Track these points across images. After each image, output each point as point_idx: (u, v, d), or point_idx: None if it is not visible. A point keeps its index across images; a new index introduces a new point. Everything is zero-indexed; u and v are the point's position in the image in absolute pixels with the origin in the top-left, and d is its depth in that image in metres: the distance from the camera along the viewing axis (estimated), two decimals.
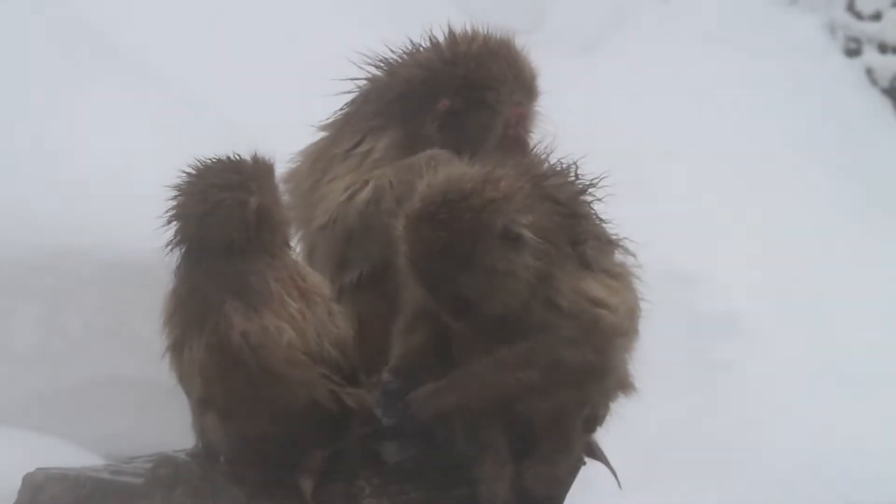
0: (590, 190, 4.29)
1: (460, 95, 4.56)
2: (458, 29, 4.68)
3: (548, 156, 4.35)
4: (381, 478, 4.32)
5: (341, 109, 4.75)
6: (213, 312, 4.12)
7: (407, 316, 4.26)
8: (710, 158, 13.81)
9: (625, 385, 4.43)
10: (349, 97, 4.76)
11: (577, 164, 4.33)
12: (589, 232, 4.19)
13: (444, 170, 4.12)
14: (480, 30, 4.69)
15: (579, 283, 4.10)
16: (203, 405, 4.21)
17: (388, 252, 4.21)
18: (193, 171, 4.28)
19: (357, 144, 4.60)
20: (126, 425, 10.77)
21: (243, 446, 4.20)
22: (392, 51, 4.71)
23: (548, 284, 4.06)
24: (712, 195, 13.34)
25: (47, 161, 11.06)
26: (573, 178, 4.29)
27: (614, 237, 4.32)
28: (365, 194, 4.48)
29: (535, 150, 4.48)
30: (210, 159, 4.30)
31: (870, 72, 15.70)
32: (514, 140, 4.59)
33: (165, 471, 4.30)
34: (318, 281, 4.31)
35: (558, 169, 4.30)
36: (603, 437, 4.57)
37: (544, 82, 4.72)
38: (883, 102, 15.50)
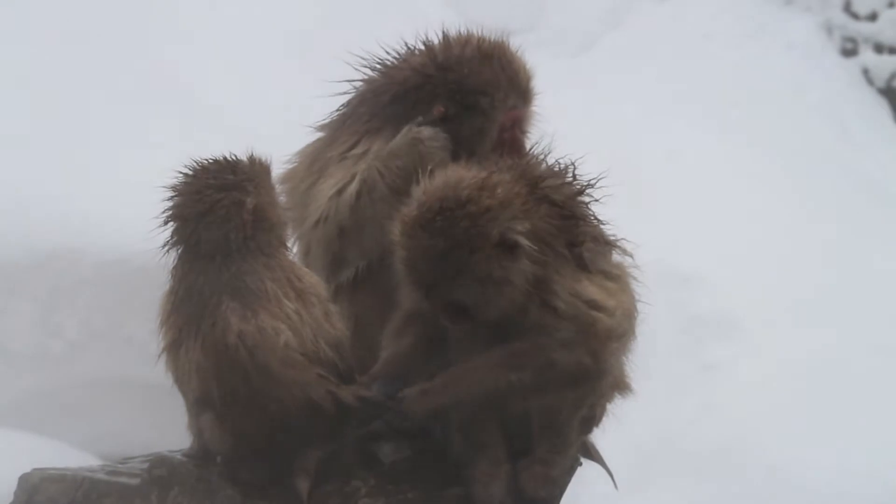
0: (587, 190, 4.29)
1: (454, 100, 4.55)
2: (452, 31, 4.67)
3: (545, 157, 4.35)
4: (377, 478, 4.32)
5: (338, 110, 4.75)
6: (209, 313, 4.12)
7: (399, 317, 4.27)
8: (706, 158, 13.82)
9: (621, 386, 4.43)
10: (346, 98, 4.75)
11: (575, 164, 4.33)
12: (586, 233, 4.19)
13: (440, 175, 4.12)
14: (475, 32, 4.67)
15: (576, 285, 4.10)
16: (199, 405, 4.21)
17: (383, 246, 4.21)
18: (190, 172, 4.28)
19: (353, 146, 4.59)
20: (122, 426, 10.78)
21: (240, 446, 4.20)
22: (387, 52, 4.70)
23: (544, 287, 4.07)
24: (709, 195, 13.34)
25: (44, 162, 11.07)
26: (570, 179, 4.29)
27: (612, 238, 4.32)
28: (354, 187, 4.48)
29: (532, 151, 4.48)
30: (207, 160, 4.31)
31: (866, 72, 15.71)
32: (511, 142, 4.58)
33: (161, 471, 4.30)
34: (315, 281, 4.31)
35: (556, 170, 4.30)
36: (599, 437, 4.57)
37: (541, 82, 4.71)
38: (879, 102, 15.51)
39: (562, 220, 4.14)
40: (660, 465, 11.07)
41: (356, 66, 4.73)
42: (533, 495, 4.26)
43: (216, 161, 4.30)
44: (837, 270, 12.67)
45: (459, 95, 4.56)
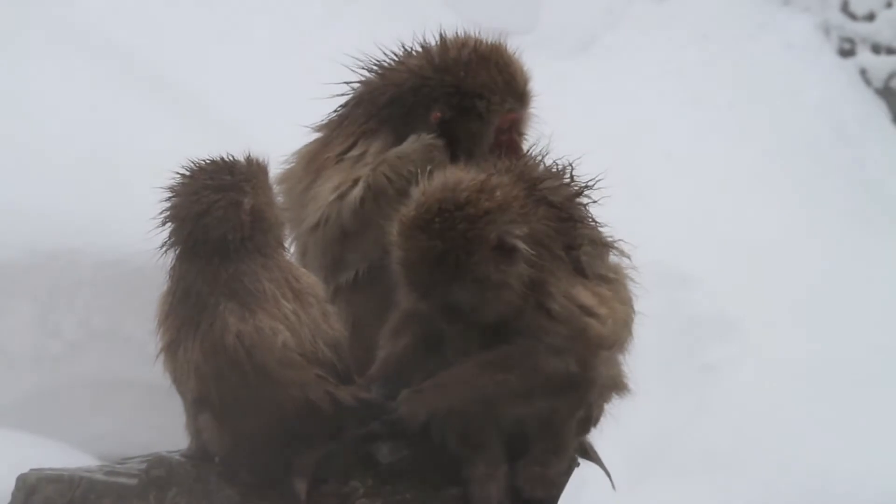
0: (585, 192, 4.29)
1: (451, 103, 4.55)
2: (449, 33, 4.66)
3: (543, 158, 4.35)
4: (375, 478, 4.32)
5: (335, 111, 4.75)
6: (207, 313, 4.12)
7: (396, 318, 4.27)
8: (704, 159, 13.83)
9: (619, 386, 4.43)
10: (343, 98, 4.75)
11: (573, 165, 4.33)
12: (584, 236, 4.19)
13: (439, 176, 4.12)
14: (472, 34, 4.66)
15: (570, 289, 4.10)
16: (198, 406, 4.21)
17: (384, 251, 4.21)
18: (187, 173, 4.28)
19: (350, 148, 4.60)
20: (120, 426, 10.78)
21: (238, 447, 4.20)
22: (385, 53, 4.70)
23: (540, 289, 4.07)
24: (707, 195, 13.35)
25: (42, 163, 11.06)
26: (568, 180, 4.29)
27: (609, 239, 4.32)
28: (357, 192, 4.48)
29: (530, 152, 4.48)
30: (204, 160, 4.30)
31: (863, 72, 15.72)
32: (507, 145, 4.58)
33: (159, 471, 4.30)
34: (313, 282, 4.31)
35: (554, 171, 4.30)
36: (597, 437, 4.58)
37: (538, 83, 4.71)
38: (877, 103, 15.52)
39: (560, 223, 4.14)
40: (658, 465, 11.08)
41: (353, 68, 4.73)
42: (530, 496, 4.26)
43: (213, 162, 4.30)
44: (835, 271, 12.69)
45: (456, 98, 4.56)
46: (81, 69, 12.08)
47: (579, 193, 4.28)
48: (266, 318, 4.11)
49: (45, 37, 12.25)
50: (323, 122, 4.76)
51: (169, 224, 4.26)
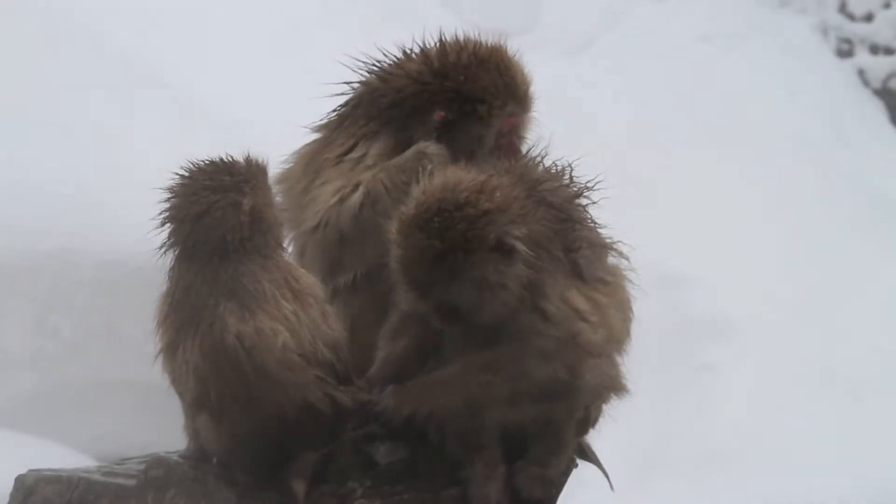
0: (584, 193, 4.29)
1: (452, 107, 4.55)
2: (449, 36, 4.65)
3: (542, 159, 4.35)
4: (373, 479, 4.33)
5: (334, 111, 4.74)
6: (207, 314, 4.12)
7: (395, 319, 4.27)
8: (702, 160, 13.83)
9: (617, 387, 4.43)
10: (342, 99, 4.75)
11: (572, 166, 4.33)
12: (582, 238, 4.19)
13: (439, 176, 4.12)
14: (472, 37, 4.65)
15: (566, 292, 4.10)
16: (196, 407, 4.21)
17: (383, 255, 4.21)
18: (186, 173, 4.28)
19: (350, 150, 4.60)
20: (119, 427, 10.78)
21: (236, 448, 4.20)
22: (385, 55, 4.70)
23: (537, 290, 4.07)
24: (705, 197, 13.35)
25: (42, 164, 11.06)
26: (568, 182, 4.29)
27: (608, 240, 4.32)
28: (357, 197, 4.48)
29: (529, 153, 4.48)
30: (203, 161, 4.30)
31: (862, 73, 15.73)
32: (508, 148, 4.58)
33: (157, 472, 4.31)
34: (312, 282, 4.31)
35: (553, 172, 4.30)
36: (595, 438, 4.58)
37: (537, 84, 4.70)
38: (875, 103, 15.53)
39: (559, 224, 4.14)
40: (656, 465, 11.08)
41: (353, 69, 4.73)
42: (529, 496, 4.27)
43: (213, 162, 4.30)
44: (834, 272, 12.69)
45: (457, 102, 4.55)
46: (83, 69, 12.08)
47: (579, 195, 4.28)
48: (266, 319, 4.11)
49: (45, 37, 12.25)
50: (322, 123, 4.76)
51: (168, 225, 4.26)
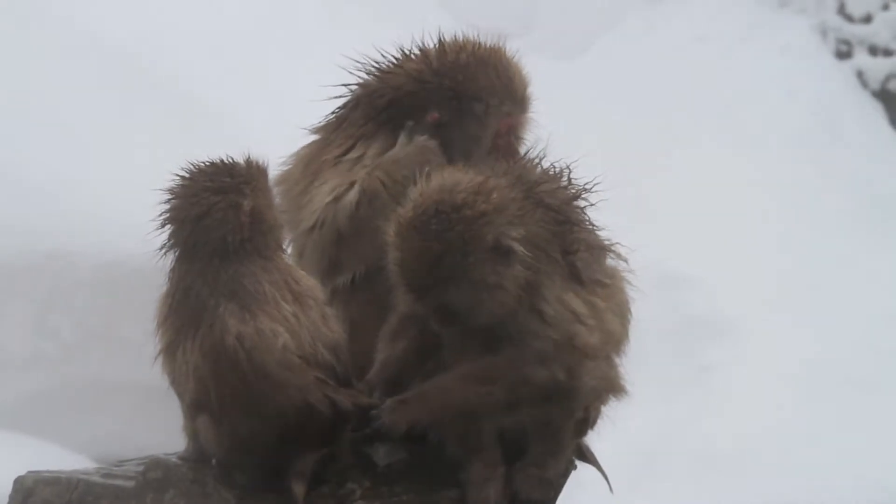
0: (582, 195, 4.29)
1: (449, 107, 4.55)
2: (447, 36, 4.66)
3: (540, 160, 4.35)
4: (372, 480, 4.33)
5: (333, 113, 4.75)
6: (207, 315, 4.12)
7: (394, 320, 4.27)
8: (701, 161, 13.84)
9: (616, 388, 4.43)
10: (342, 100, 4.76)
11: (570, 168, 4.33)
12: (580, 240, 4.19)
13: (437, 177, 4.12)
14: (470, 37, 4.66)
15: (563, 294, 4.10)
16: (196, 408, 4.21)
17: (381, 254, 4.22)
18: (187, 175, 4.29)
19: (348, 151, 4.60)
20: (118, 428, 10.78)
21: (235, 449, 4.20)
22: (383, 55, 4.70)
23: (534, 291, 4.07)
24: (704, 197, 13.36)
25: (41, 165, 11.07)
26: (566, 184, 4.29)
27: (606, 242, 4.32)
28: (353, 195, 4.48)
29: (527, 154, 4.48)
30: (203, 162, 4.31)
31: (860, 74, 15.74)
32: (505, 149, 4.58)
33: (156, 474, 4.31)
34: (312, 284, 4.31)
35: (551, 174, 4.30)
36: (594, 439, 4.58)
37: (536, 85, 4.70)
38: (874, 105, 15.54)
39: (556, 226, 4.14)
40: (655, 466, 11.08)
41: (352, 70, 4.73)
42: (528, 498, 4.27)
43: (213, 164, 4.31)
44: (833, 272, 12.70)
45: (454, 102, 4.56)
46: (83, 70, 12.08)
47: (577, 196, 4.28)
48: (266, 320, 4.11)
49: (45, 37, 12.25)
50: (321, 124, 4.77)
51: (168, 226, 4.26)
